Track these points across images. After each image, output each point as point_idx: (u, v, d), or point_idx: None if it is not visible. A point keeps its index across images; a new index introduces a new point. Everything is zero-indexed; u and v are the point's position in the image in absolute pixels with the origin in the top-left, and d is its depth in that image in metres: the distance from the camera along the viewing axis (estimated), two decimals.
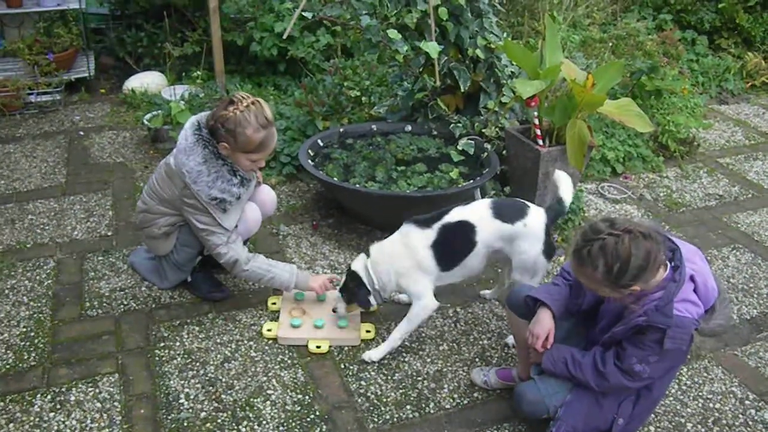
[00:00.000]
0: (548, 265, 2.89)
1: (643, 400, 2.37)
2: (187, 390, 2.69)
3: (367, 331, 3.01)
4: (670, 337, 2.14)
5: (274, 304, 3.14)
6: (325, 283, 3.10)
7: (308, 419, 2.58)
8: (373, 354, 2.86)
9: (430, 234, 2.79)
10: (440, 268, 2.82)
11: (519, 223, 2.80)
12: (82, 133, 4.82)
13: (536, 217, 2.84)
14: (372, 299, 2.88)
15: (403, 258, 2.80)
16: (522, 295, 2.51)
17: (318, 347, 2.90)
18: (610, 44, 5.31)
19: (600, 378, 2.29)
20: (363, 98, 4.52)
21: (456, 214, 2.82)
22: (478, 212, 2.83)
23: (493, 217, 2.81)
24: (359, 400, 2.68)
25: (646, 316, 2.15)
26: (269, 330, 2.97)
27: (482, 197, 3.69)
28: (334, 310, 2.98)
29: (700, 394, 2.79)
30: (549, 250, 2.85)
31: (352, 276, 2.87)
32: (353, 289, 2.87)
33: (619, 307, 2.31)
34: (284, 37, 4.08)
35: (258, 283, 3.15)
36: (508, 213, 2.83)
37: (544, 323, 2.37)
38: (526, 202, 2.91)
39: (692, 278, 2.20)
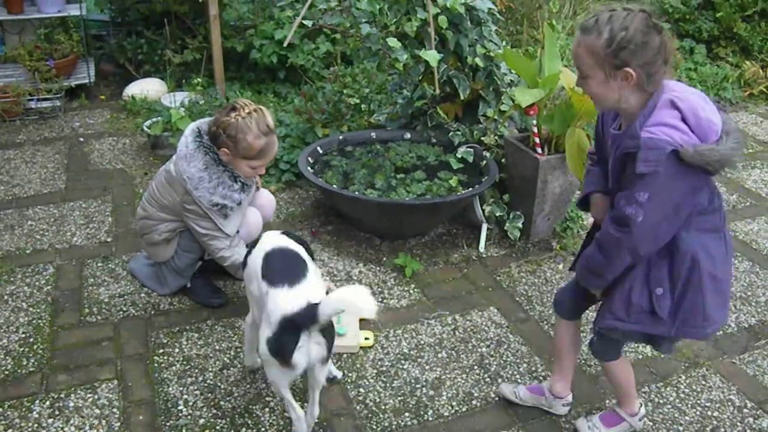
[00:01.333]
0: (273, 360, 2.26)
1: (678, 259, 2.11)
2: (186, 396, 2.69)
3: (366, 339, 3.01)
4: (642, 159, 1.95)
5: None
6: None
7: None
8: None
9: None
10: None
11: (264, 284, 2.35)
12: (82, 139, 4.84)
13: (285, 299, 2.23)
14: None
15: None
16: (565, 295, 2.56)
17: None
18: None
19: (598, 249, 2.16)
20: (362, 106, 4.54)
21: (266, 233, 2.60)
22: (267, 241, 2.51)
23: (263, 256, 2.42)
24: (358, 407, 2.68)
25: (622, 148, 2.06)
26: None
27: (481, 205, 3.70)
28: None
29: (698, 401, 2.79)
30: (274, 347, 2.22)
31: None
32: None
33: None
34: (285, 44, 4.10)
35: None
36: (273, 265, 2.39)
37: (598, 205, 2.35)
38: (307, 275, 2.34)
39: (675, 105, 1.99)
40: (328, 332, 2.27)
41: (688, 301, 2.14)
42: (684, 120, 1.98)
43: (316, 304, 2.14)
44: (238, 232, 3.00)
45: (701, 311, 2.15)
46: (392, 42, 3.74)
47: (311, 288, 2.30)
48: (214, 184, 2.84)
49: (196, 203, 2.85)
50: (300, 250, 2.50)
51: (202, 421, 2.59)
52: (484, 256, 3.65)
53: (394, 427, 2.61)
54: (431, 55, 3.65)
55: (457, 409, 2.70)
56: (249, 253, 2.55)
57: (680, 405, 2.77)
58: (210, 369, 2.83)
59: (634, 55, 1.98)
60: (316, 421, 2.53)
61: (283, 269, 2.34)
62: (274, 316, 2.20)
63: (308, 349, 2.21)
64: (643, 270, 2.15)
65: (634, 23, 1.98)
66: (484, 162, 3.83)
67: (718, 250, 2.15)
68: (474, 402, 2.74)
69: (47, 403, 2.64)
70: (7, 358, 2.85)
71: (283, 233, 2.59)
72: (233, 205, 2.90)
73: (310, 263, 2.44)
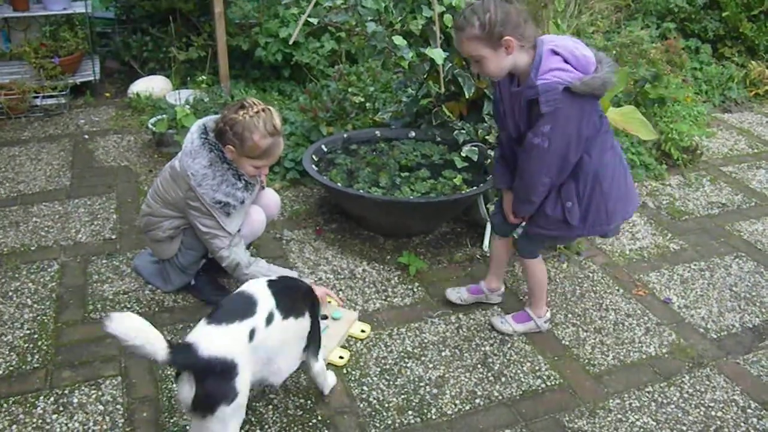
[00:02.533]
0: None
1: (582, 178, 2.65)
2: None
3: (362, 331, 3.01)
4: (543, 102, 2.47)
5: None
6: (326, 293, 3.03)
7: (310, 424, 2.59)
8: None
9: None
10: None
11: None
12: (86, 136, 4.85)
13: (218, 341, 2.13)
14: None
15: None
16: (496, 219, 3.08)
17: (341, 357, 2.90)
18: (614, 52, 5.31)
19: (520, 179, 2.72)
20: (367, 104, 4.54)
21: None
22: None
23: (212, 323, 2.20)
24: (361, 405, 2.68)
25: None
26: None
27: (485, 204, 3.70)
28: (324, 317, 2.95)
29: (702, 402, 2.79)
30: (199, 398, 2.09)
31: None
32: None
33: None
34: (290, 42, 4.10)
35: None
36: (227, 310, 2.26)
37: (507, 201, 2.93)
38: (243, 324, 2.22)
39: (555, 52, 2.51)
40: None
41: (594, 208, 2.70)
42: (566, 61, 2.49)
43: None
44: (239, 231, 3.00)
45: (604, 213, 2.73)
46: (398, 40, 3.74)
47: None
48: (218, 181, 2.84)
49: (199, 200, 2.86)
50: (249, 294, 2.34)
51: None
52: (488, 255, 3.65)
53: (397, 425, 2.61)
54: (437, 54, 3.64)
55: (460, 407, 2.70)
56: None
57: (684, 405, 2.77)
58: None
59: (504, 26, 2.48)
60: (319, 419, 2.53)
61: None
62: None
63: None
64: (556, 189, 2.69)
65: (491, 4, 2.49)
66: (489, 161, 3.83)
67: (614, 162, 2.73)
68: (477, 401, 2.74)
69: (51, 399, 2.65)
70: (12, 354, 2.86)
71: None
72: (236, 204, 2.90)
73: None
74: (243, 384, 2.15)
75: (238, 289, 2.39)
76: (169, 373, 2.77)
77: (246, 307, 2.26)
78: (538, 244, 3.02)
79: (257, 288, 2.36)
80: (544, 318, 3.12)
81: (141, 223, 3.18)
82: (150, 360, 2.04)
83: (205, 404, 2.09)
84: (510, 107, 2.68)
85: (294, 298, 2.42)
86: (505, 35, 2.48)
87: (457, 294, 3.26)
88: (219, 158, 2.85)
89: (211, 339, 2.12)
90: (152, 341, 1.96)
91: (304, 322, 2.44)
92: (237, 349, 2.14)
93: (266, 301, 2.30)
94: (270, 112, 2.82)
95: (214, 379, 2.08)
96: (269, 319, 2.27)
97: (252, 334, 2.20)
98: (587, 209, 2.70)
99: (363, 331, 3.02)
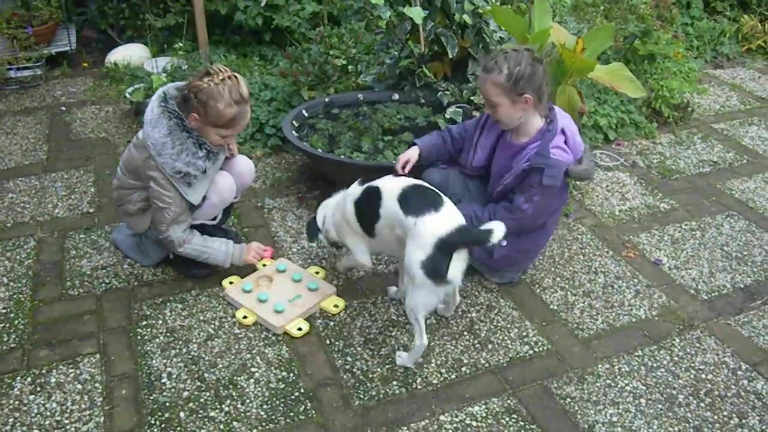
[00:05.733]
0: (428, 282, 2.46)
1: (534, 233, 2.97)
2: (169, 369, 2.63)
3: (335, 306, 2.95)
4: (548, 175, 2.69)
5: (231, 283, 3.06)
6: (257, 250, 3.09)
7: (293, 397, 2.53)
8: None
9: (359, 191, 2.74)
10: (362, 228, 2.76)
11: (411, 218, 2.51)
12: (63, 108, 4.72)
13: (435, 223, 2.48)
14: (321, 236, 2.97)
15: (337, 208, 2.87)
16: None
17: (299, 329, 2.83)
18: (603, 8, 5.18)
19: (487, 217, 2.83)
20: (349, 67, 4.42)
21: (381, 181, 2.70)
22: (392, 186, 2.63)
23: (397, 197, 2.57)
24: (345, 377, 2.63)
25: (528, 161, 2.75)
26: (245, 317, 2.90)
27: None
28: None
29: (692, 365, 2.74)
30: (431, 268, 2.44)
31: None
32: (309, 222, 3.03)
33: (508, 161, 2.86)
34: (263, 4, 3.95)
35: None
36: (412, 201, 2.54)
37: (409, 152, 3.05)
38: (446, 202, 2.56)
39: (563, 131, 2.77)
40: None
41: (519, 254, 3.00)
42: (565, 142, 2.78)
43: (465, 225, 2.51)
44: (201, 204, 2.93)
45: (527, 259, 3.12)
46: None
47: (454, 211, 2.55)
48: (178, 150, 2.75)
49: (158, 169, 2.77)
50: (424, 183, 2.71)
51: (186, 393, 2.53)
52: None
53: (381, 396, 2.55)
54: (416, 12, 3.53)
55: (446, 376, 2.65)
56: (368, 201, 2.69)
57: (674, 368, 2.72)
58: (194, 340, 2.77)
59: (528, 83, 2.67)
60: (302, 392, 2.49)
61: (422, 201, 2.53)
62: (427, 240, 2.43)
63: (458, 265, 2.49)
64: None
65: (524, 59, 2.67)
66: None
67: (552, 226, 3.10)
68: (464, 369, 2.68)
69: (28, 379, 2.58)
70: None
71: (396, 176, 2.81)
72: (197, 173, 2.81)
73: (438, 191, 2.63)
74: None
75: (407, 187, 2.62)
76: (148, 348, 2.71)
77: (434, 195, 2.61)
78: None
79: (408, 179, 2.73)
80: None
81: (114, 196, 3.10)
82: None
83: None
84: (490, 147, 2.98)
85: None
86: (527, 92, 2.68)
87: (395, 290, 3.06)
88: (178, 126, 2.76)
89: None
90: None
91: None
92: None
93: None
94: (236, 79, 2.72)
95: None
96: None
97: None
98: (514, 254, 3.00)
99: (336, 306, 2.95)
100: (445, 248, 2.43)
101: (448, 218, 2.49)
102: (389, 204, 2.60)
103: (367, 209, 2.70)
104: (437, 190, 2.63)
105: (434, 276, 2.45)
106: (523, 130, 2.83)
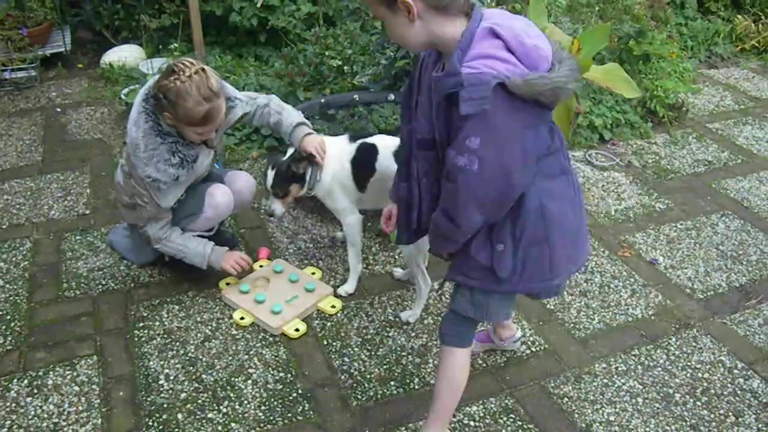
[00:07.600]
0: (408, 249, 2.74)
1: (521, 215, 1.88)
2: (167, 371, 2.63)
3: (332, 306, 2.95)
4: (465, 99, 1.67)
5: (228, 285, 3.05)
6: (238, 261, 2.97)
7: (290, 398, 2.53)
8: (347, 287, 3.05)
9: (352, 149, 2.93)
10: (355, 184, 2.93)
11: None
12: (59, 109, 4.71)
13: None
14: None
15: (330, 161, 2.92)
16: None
17: (296, 330, 2.83)
18: (597, 8, 5.20)
19: (440, 211, 1.92)
20: (345, 68, 4.41)
21: (374, 139, 2.94)
22: (388, 143, 2.89)
23: (393, 153, 2.83)
24: (342, 377, 2.63)
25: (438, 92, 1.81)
26: (242, 318, 2.90)
27: None
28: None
29: (689, 364, 2.75)
30: None
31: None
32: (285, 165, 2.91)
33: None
34: (259, 5, 3.95)
35: None
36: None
37: (389, 207, 2.47)
38: None
39: (495, 34, 1.72)
40: None
41: (534, 256, 1.93)
42: (509, 50, 1.71)
43: None
44: (199, 214, 2.91)
45: (548, 264, 1.95)
46: None
47: None
48: (149, 155, 2.65)
49: (136, 167, 2.73)
50: None
51: (183, 395, 2.53)
52: None
53: (379, 396, 2.56)
54: None
55: None
56: (366, 161, 2.87)
57: (670, 367, 2.73)
58: (191, 342, 2.77)
59: None
60: (300, 392, 2.49)
61: None
62: None
63: None
64: (488, 226, 1.91)
65: None
66: None
67: (566, 195, 1.96)
68: None
69: (25, 381, 2.58)
70: None
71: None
72: (167, 180, 2.70)
73: None
74: None
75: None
76: (145, 350, 2.71)
77: None
78: (470, 326, 2.23)
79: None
80: None
81: (114, 193, 3.07)
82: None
83: None
84: (427, 99, 1.92)
85: None
86: None
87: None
88: (153, 130, 2.65)
89: None
90: None
91: None
92: None
93: None
94: (205, 73, 2.56)
95: None
96: None
97: None
98: (525, 257, 1.93)
99: (333, 306, 2.95)
100: None
101: None
102: (385, 160, 2.85)
103: (364, 165, 2.90)
104: None
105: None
106: (447, 51, 1.81)
